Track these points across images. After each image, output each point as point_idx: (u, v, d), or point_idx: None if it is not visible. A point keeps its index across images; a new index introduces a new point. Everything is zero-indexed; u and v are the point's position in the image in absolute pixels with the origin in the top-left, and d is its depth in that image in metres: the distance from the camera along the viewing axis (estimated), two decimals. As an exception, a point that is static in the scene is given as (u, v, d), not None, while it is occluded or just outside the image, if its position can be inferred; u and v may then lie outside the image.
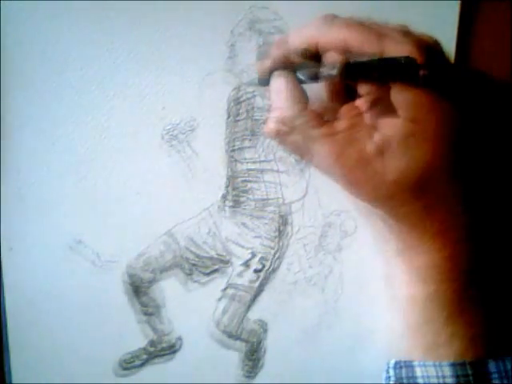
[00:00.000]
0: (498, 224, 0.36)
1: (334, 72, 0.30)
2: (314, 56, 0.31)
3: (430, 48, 0.30)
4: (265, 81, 0.34)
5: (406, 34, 0.31)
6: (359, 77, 0.31)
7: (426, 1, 0.35)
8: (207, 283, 0.41)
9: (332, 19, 0.31)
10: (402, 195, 0.31)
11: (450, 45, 0.36)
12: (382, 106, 0.32)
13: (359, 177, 0.31)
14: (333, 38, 0.31)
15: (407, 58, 0.29)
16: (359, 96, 0.31)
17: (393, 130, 0.31)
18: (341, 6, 0.35)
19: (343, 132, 0.31)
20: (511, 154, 0.38)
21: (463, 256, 0.32)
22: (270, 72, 0.33)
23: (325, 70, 0.31)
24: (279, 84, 0.33)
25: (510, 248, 0.38)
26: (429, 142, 0.30)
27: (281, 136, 0.32)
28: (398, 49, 0.29)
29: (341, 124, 0.31)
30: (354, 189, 0.32)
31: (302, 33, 0.32)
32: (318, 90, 0.34)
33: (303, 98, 0.32)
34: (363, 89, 0.31)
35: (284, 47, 0.32)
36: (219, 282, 0.41)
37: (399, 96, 0.30)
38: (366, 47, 0.30)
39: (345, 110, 0.32)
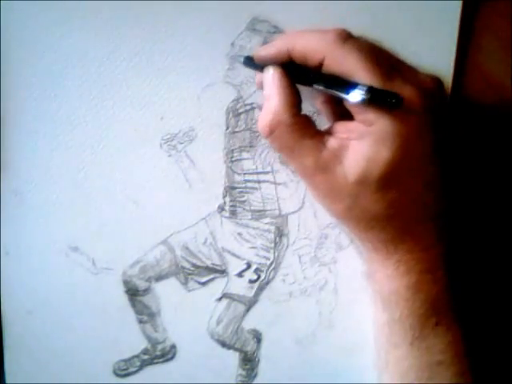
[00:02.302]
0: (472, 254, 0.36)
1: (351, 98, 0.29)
2: (315, 66, 0.31)
3: (431, 95, 0.30)
4: (250, 63, 0.34)
5: (413, 75, 0.31)
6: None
7: (428, 0, 0.35)
8: (202, 292, 0.41)
9: (345, 39, 0.30)
10: (366, 193, 0.30)
11: (451, 44, 0.36)
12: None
13: (320, 184, 0.31)
14: (340, 61, 0.30)
15: (398, 101, 0.28)
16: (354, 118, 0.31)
17: (346, 132, 0.30)
18: (341, 7, 0.35)
19: (331, 150, 0.30)
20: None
21: (428, 285, 0.31)
22: (268, 60, 0.32)
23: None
24: (273, 79, 0.31)
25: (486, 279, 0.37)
26: (385, 141, 0.29)
27: (271, 136, 0.31)
28: (402, 91, 0.29)
29: (331, 142, 0.31)
30: (320, 199, 0.32)
31: (310, 40, 0.31)
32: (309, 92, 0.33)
33: (297, 101, 0.31)
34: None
35: (289, 44, 0.31)
36: (214, 292, 0.41)
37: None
38: (372, 81, 0.29)
39: (338, 127, 0.31)
